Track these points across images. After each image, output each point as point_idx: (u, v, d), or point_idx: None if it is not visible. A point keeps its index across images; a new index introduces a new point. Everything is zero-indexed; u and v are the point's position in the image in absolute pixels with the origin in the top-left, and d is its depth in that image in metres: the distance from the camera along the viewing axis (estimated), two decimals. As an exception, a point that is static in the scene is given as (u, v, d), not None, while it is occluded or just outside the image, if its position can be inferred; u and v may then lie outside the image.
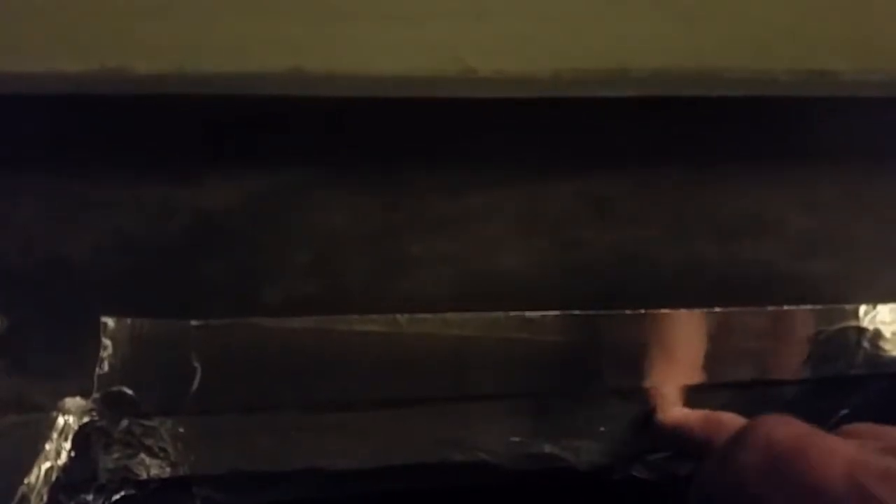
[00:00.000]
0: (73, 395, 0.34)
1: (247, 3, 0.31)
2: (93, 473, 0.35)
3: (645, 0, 0.32)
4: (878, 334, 0.39)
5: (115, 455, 0.35)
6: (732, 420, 0.33)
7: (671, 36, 0.33)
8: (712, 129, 0.38)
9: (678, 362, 0.38)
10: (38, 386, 0.35)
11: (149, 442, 0.35)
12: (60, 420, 0.34)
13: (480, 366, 0.37)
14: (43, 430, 0.34)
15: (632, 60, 0.33)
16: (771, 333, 0.39)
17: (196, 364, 0.35)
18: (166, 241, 0.35)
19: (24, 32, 0.30)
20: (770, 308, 0.39)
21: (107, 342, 0.34)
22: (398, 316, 0.36)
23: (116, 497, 0.35)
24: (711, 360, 0.38)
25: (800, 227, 0.39)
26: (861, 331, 0.39)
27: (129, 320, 0.34)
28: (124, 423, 0.35)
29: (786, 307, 0.39)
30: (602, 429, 0.38)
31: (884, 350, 0.39)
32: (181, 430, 0.35)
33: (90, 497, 0.35)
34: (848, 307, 0.39)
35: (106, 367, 0.34)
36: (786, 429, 0.28)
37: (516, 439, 0.38)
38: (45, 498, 0.33)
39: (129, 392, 0.34)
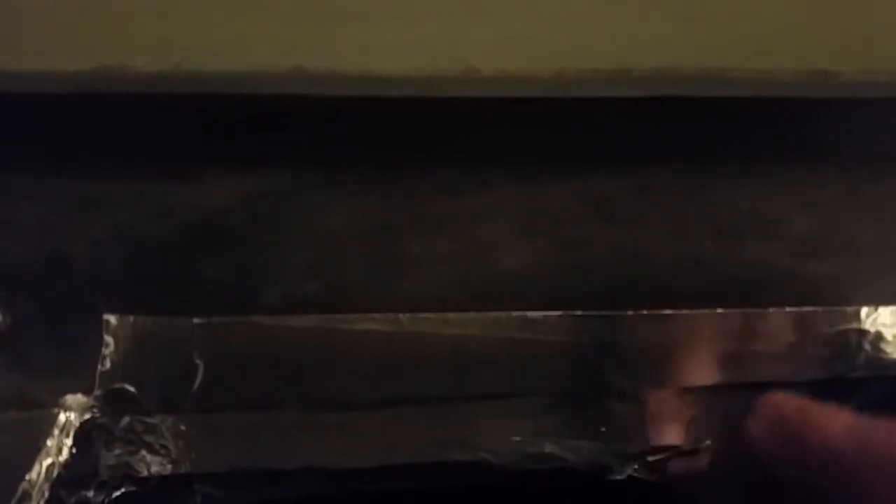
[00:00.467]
0: (74, 391, 0.34)
1: (247, 2, 0.31)
2: (94, 470, 0.35)
3: (647, 0, 0.32)
4: (879, 336, 0.39)
5: (117, 452, 0.35)
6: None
7: (673, 36, 0.33)
8: (713, 129, 0.38)
9: (678, 363, 0.38)
10: (40, 383, 0.35)
11: (150, 439, 0.35)
12: (62, 417, 0.34)
13: (482, 365, 0.37)
14: (44, 426, 0.34)
15: (634, 60, 0.33)
16: (772, 335, 0.38)
17: (198, 362, 0.35)
18: (167, 239, 0.36)
19: (22, 31, 0.30)
20: (771, 310, 0.38)
21: (109, 339, 0.34)
22: (400, 315, 0.36)
23: (117, 493, 0.35)
24: (712, 362, 0.38)
25: (801, 228, 0.39)
26: (862, 333, 0.39)
27: (131, 318, 0.34)
28: (126, 420, 0.35)
29: (786, 309, 0.39)
30: (602, 429, 0.38)
31: (885, 352, 0.39)
32: (182, 427, 0.35)
33: (91, 493, 0.35)
34: (849, 309, 0.39)
35: (108, 364, 0.34)
36: (793, 401, 0.32)
37: (517, 439, 0.37)
38: (46, 494, 0.33)
39: (131, 389, 0.35)
